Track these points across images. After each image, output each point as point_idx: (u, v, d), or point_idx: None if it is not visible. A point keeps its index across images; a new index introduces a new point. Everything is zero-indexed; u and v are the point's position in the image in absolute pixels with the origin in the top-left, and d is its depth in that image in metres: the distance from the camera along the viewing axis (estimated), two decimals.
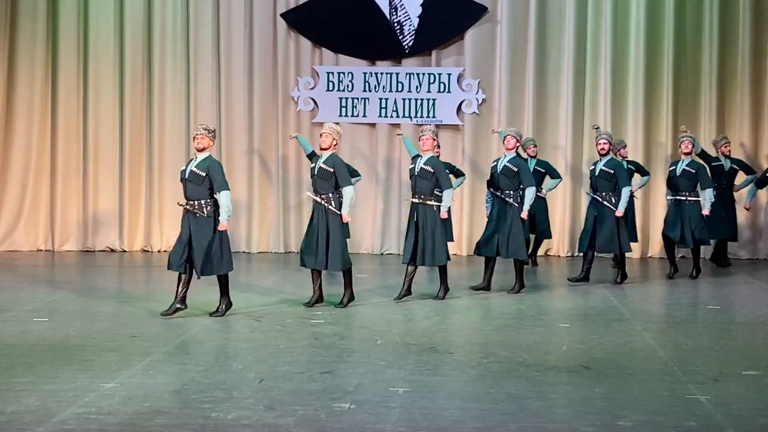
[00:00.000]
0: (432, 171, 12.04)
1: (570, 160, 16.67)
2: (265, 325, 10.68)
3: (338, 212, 11.30)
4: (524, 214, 12.56)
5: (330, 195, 11.33)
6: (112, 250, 17.28)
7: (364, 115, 17.10)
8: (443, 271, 12.19)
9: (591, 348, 9.61)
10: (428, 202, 12.03)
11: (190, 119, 17.07)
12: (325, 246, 11.31)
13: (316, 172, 11.42)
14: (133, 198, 17.30)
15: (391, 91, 17.06)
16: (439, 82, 17.02)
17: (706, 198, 13.84)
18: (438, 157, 12.67)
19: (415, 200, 12.09)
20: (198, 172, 10.69)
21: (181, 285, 10.75)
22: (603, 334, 10.34)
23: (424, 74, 17.04)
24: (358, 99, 17.13)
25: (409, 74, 17.04)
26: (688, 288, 13.67)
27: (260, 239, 17.29)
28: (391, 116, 17.05)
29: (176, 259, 10.66)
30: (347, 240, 11.82)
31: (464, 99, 17.00)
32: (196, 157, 10.83)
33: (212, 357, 9.20)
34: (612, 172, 13.40)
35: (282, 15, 17.13)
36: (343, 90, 17.11)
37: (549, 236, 15.67)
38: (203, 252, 10.60)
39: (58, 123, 17.27)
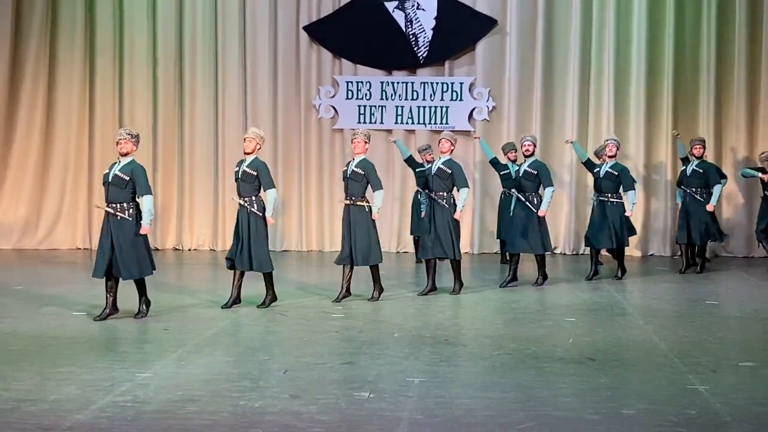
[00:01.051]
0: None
1: (575, 164, 16.61)
2: (289, 319, 10.70)
3: (260, 215, 10.93)
4: (458, 215, 12.12)
5: (253, 198, 10.92)
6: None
7: (382, 122, 17.11)
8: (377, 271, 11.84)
9: (596, 341, 9.60)
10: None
11: (218, 125, 17.16)
12: (248, 248, 10.89)
13: (239, 176, 10.99)
14: (166, 199, 17.36)
15: (406, 99, 17.06)
16: (452, 91, 17.01)
17: (629, 200, 13.42)
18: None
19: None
20: (122, 176, 10.12)
21: (109, 290, 10.30)
22: (607, 328, 10.33)
23: (437, 83, 17.04)
24: (375, 107, 17.14)
25: (424, 83, 17.04)
26: (687, 284, 13.61)
27: (285, 238, 17.27)
28: (407, 123, 17.06)
29: (101, 267, 10.17)
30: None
31: (475, 106, 16.99)
32: (120, 161, 10.25)
33: (240, 349, 9.22)
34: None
35: (304, 28, 17.15)
36: (362, 98, 17.12)
37: None
38: (126, 255, 10.11)
39: (95, 129, 17.34)
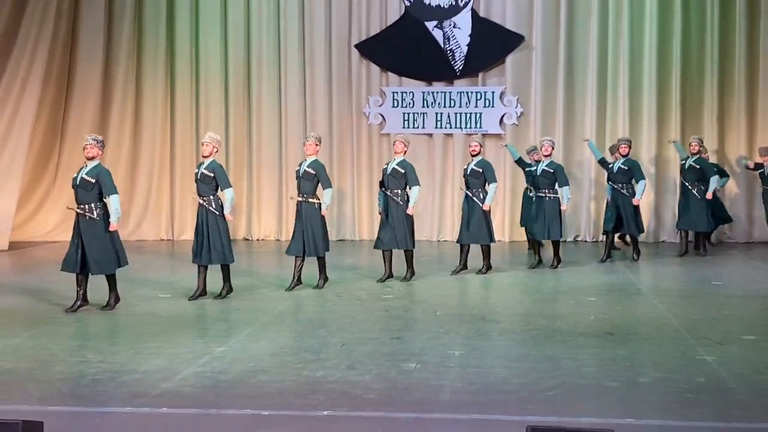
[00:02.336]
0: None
1: (593, 162, 16.44)
2: (344, 300, 10.73)
3: (218, 213, 10.44)
4: (410, 210, 11.77)
5: (211, 197, 10.44)
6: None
7: (423, 127, 17.05)
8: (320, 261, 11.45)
9: (614, 317, 9.56)
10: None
11: (281, 130, 17.18)
12: (208, 243, 10.44)
13: (198, 177, 10.52)
14: (237, 194, 17.34)
15: (445, 107, 16.99)
16: (485, 99, 16.91)
17: (564, 194, 12.93)
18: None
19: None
20: (88, 179, 9.70)
21: (79, 284, 9.90)
22: (624, 306, 10.27)
23: (472, 92, 16.95)
24: (418, 113, 17.08)
25: (460, 92, 16.96)
26: (694, 267, 13.48)
27: (340, 228, 17.25)
28: (445, 127, 16.98)
29: (71, 263, 9.78)
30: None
31: (505, 112, 16.87)
32: (87, 165, 9.83)
33: (302, 326, 9.28)
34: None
35: (355, 46, 17.14)
36: (406, 106, 17.08)
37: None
38: (95, 252, 9.69)
39: (175, 134, 17.42)
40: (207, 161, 10.55)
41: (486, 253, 12.54)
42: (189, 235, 17.31)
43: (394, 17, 17.08)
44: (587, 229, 16.86)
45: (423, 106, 17.06)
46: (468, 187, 12.41)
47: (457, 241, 12.69)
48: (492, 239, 12.51)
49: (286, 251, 11.43)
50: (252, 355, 7.81)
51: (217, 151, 10.63)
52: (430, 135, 17.11)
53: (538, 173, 13.15)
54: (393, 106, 17.11)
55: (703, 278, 12.45)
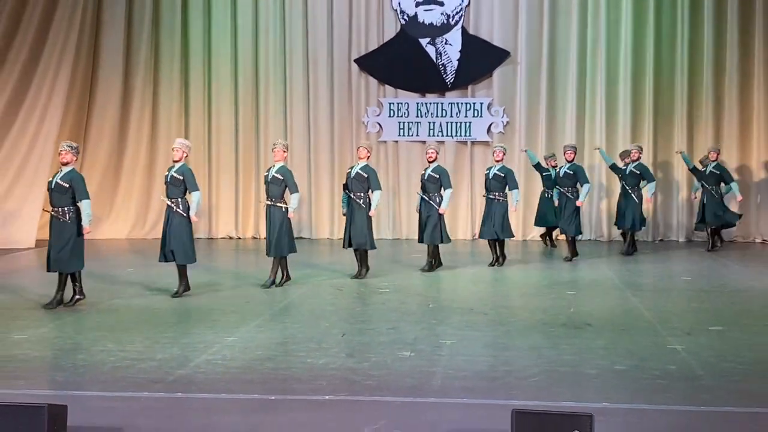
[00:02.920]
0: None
1: (602, 167, 16.38)
2: (345, 294, 10.73)
3: (185, 214, 10.11)
4: (372, 213, 11.59)
5: (179, 199, 10.10)
6: (230, 238, 17.42)
7: (417, 135, 17.05)
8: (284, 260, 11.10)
9: (592, 310, 9.55)
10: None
11: (287, 137, 17.14)
12: (171, 243, 10.14)
13: (168, 180, 10.19)
14: (245, 196, 17.44)
15: (437, 116, 17.00)
16: (474, 109, 16.93)
17: (514, 197, 12.86)
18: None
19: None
20: (62, 183, 9.42)
21: (60, 282, 9.67)
22: (601, 299, 10.28)
23: (462, 103, 16.96)
24: (412, 123, 17.09)
25: (451, 103, 16.97)
26: (665, 263, 13.52)
27: (339, 228, 17.24)
28: (437, 135, 16.97)
29: (49, 262, 9.61)
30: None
31: (492, 122, 16.89)
32: (61, 170, 9.56)
33: (306, 317, 9.27)
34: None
35: (355, 60, 17.14)
36: (401, 116, 17.08)
37: (554, 225, 14.94)
38: (58, 251, 9.44)
39: (189, 139, 17.37)
40: (177, 165, 10.25)
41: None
42: (202, 233, 17.41)
43: (391, 34, 17.09)
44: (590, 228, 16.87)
45: (417, 116, 17.07)
46: (425, 191, 12.27)
47: (419, 241, 12.61)
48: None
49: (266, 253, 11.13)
50: (259, 344, 7.81)
51: (186, 156, 10.34)
52: (424, 142, 17.08)
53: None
54: (389, 116, 17.12)
55: (673, 274, 12.49)
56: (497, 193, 12.87)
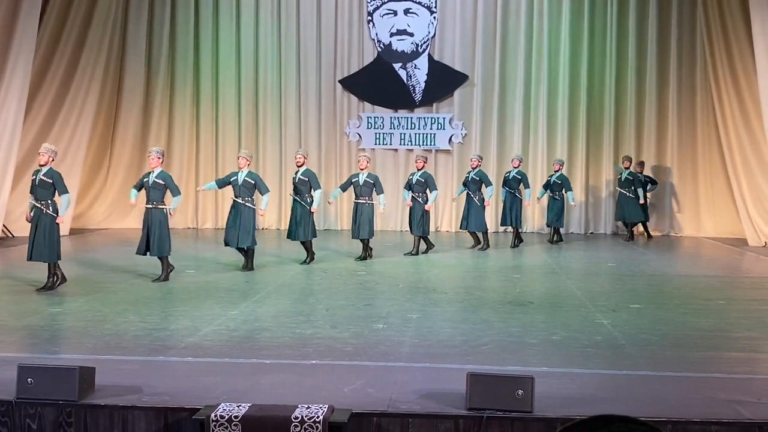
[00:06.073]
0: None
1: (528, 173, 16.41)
2: (329, 275, 10.71)
3: (54, 215, 9.03)
4: (314, 208, 11.35)
5: (48, 201, 9.05)
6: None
7: (390, 144, 17.03)
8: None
9: (534, 290, 9.61)
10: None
11: (282, 145, 17.07)
12: (38, 241, 9.04)
13: (36, 183, 9.07)
14: None
15: (407, 128, 16.99)
16: (438, 123, 16.93)
17: (430, 198, 12.69)
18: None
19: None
20: (45, 179, 9.01)
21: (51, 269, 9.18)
22: (542, 282, 10.34)
23: (428, 118, 16.95)
24: (386, 133, 17.07)
25: (419, 118, 16.96)
26: (593, 252, 13.61)
27: (327, 221, 17.20)
28: (407, 145, 16.97)
29: (28, 251, 9.12)
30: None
31: (453, 133, 16.89)
32: (41, 169, 9.08)
33: (296, 294, 9.25)
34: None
35: (339, 81, 17.09)
36: (378, 128, 17.05)
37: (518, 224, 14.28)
38: (38, 241, 9.00)
39: (200, 149, 17.30)
40: (44, 169, 9.13)
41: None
42: (210, 224, 17.31)
43: (369, 59, 17.05)
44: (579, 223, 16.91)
45: (391, 128, 17.05)
46: (359, 194, 12.03)
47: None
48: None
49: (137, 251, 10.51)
50: (257, 317, 7.78)
51: (53, 161, 9.22)
52: (396, 150, 17.11)
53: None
54: (368, 128, 17.08)
55: (600, 260, 12.57)
56: (419, 194, 12.57)
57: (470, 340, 6.88)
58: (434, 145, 16.89)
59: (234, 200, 10.88)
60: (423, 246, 12.79)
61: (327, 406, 4.78)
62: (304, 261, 11.54)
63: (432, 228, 14.26)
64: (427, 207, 12.41)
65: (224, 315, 7.86)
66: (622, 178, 15.05)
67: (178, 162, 17.27)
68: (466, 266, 11.80)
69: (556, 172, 14.62)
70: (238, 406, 4.79)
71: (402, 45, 16.95)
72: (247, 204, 10.78)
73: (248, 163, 11.08)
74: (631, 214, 15.00)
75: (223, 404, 4.83)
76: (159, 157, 10.01)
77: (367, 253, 12.11)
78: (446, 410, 4.93)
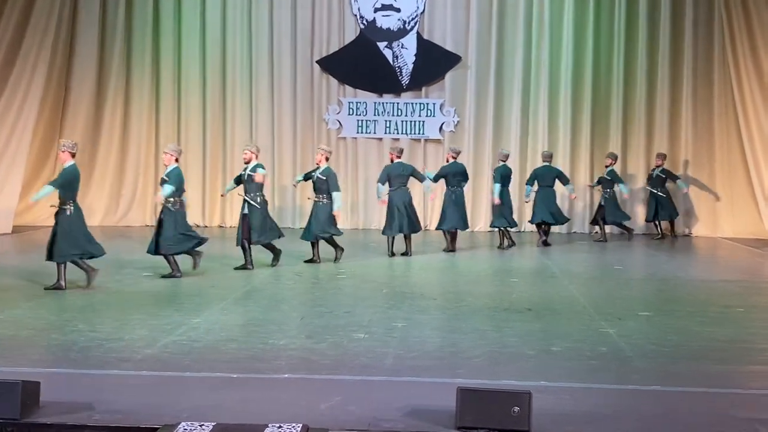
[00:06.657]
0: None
1: (518, 165, 16.54)
2: (304, 279, 10.71)
3: None
4: (336, 211, 11.86)
5: None
6: (198, 226, 17.24)
7: (375, 132, 17.04)
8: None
9: (532, 296, 9.64)
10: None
11: (252, 134, 17.04)
12: None
13: None
14: (213, 188, 17.26)
15: (393, 115, 17.01)
16: (427, 109, 16.97)
17: (380, 191, 13.06)
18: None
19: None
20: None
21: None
22: (541, 286, 10.37)
23: (416, 103, 16.98)
24: (370, 121, 17.08)
25: (406, 103, 16.99)
26: (599, 254, 13.67)
27: (295, 216, 17.12)
28: (393, 133, 16.99)
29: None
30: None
31: (444, 121, 16.94)
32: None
33: (267, 301, 9.23)
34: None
35: (317, 61, 17.07)
36: (360, 114, 17.06)
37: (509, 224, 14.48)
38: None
39: (160, 136, 17.21)
40: None
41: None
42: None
43: (351, 37, 17.04)
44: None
45: (375, 115, 17.06)
46: (314, 191, 12.17)
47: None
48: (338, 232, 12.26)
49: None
50: (223, 326, 7.76)
51: None
52: (380, 139, 17.11)
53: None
54: (349, 114, 17.08)
55: (606, 264, 12.63)
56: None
57: (461, 352, 6.89)
58: (423, 133, 16.92)
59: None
60: (402, 247, 12.77)
61: (301, 425, 4.78)
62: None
63: (379, 226, 14.49)
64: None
65: (186, 323, 7.83)
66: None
67: (135, 152, 17.21)
68: (457, 269, 11.82)
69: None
70: (200, 425, 4.78)
71: (387, 21, 16.96)
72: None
73: (172, 158, 10.74)
74: (669, 212, 15.55)
75: (184, 423, 4.82)
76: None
77: (333, 255, 12.09)
78: (434, 429, 4.94)
